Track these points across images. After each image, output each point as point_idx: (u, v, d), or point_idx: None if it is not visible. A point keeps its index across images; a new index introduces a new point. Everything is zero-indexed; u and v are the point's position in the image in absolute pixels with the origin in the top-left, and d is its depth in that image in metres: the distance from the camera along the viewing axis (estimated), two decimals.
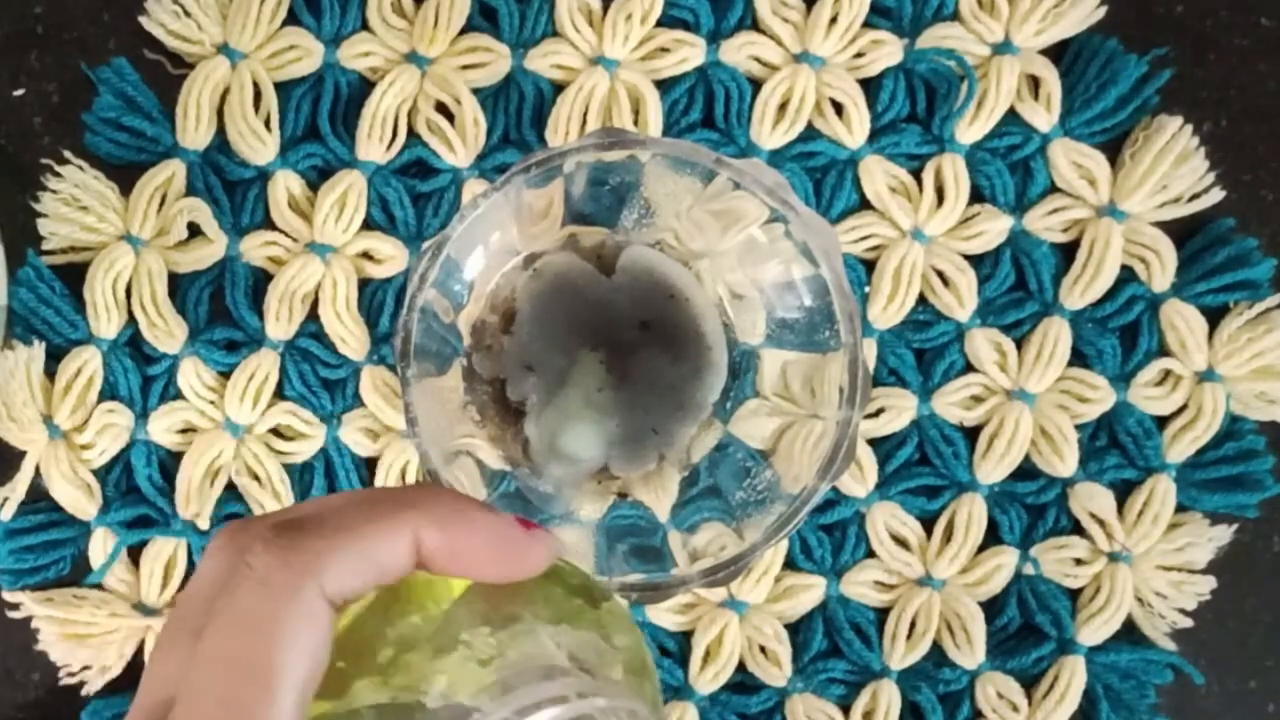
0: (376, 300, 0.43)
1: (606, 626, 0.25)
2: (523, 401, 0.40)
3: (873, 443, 0.43)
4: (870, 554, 0.43)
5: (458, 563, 0.23)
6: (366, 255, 0.43)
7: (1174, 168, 0.43)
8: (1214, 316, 0.43)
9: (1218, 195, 0.44)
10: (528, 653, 0.23)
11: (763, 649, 0.43)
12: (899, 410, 0.43)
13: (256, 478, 0.43)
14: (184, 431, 0.43)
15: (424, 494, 0.23)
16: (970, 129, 0.43)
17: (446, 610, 0.23)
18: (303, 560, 0.21)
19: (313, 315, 0.43)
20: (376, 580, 0.22)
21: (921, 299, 0.43)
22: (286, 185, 0.43)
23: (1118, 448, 0.43)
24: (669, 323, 0.39)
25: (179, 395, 0.43)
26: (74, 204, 0.43)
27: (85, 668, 0.43)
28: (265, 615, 0.20)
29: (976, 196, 0.44)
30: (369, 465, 0.43)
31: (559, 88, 0.43)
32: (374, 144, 0.43)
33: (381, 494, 0.24)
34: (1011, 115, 0.43)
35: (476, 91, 0.43)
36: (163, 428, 0.43)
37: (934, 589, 0.43)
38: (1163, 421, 0.44)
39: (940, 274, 0.43)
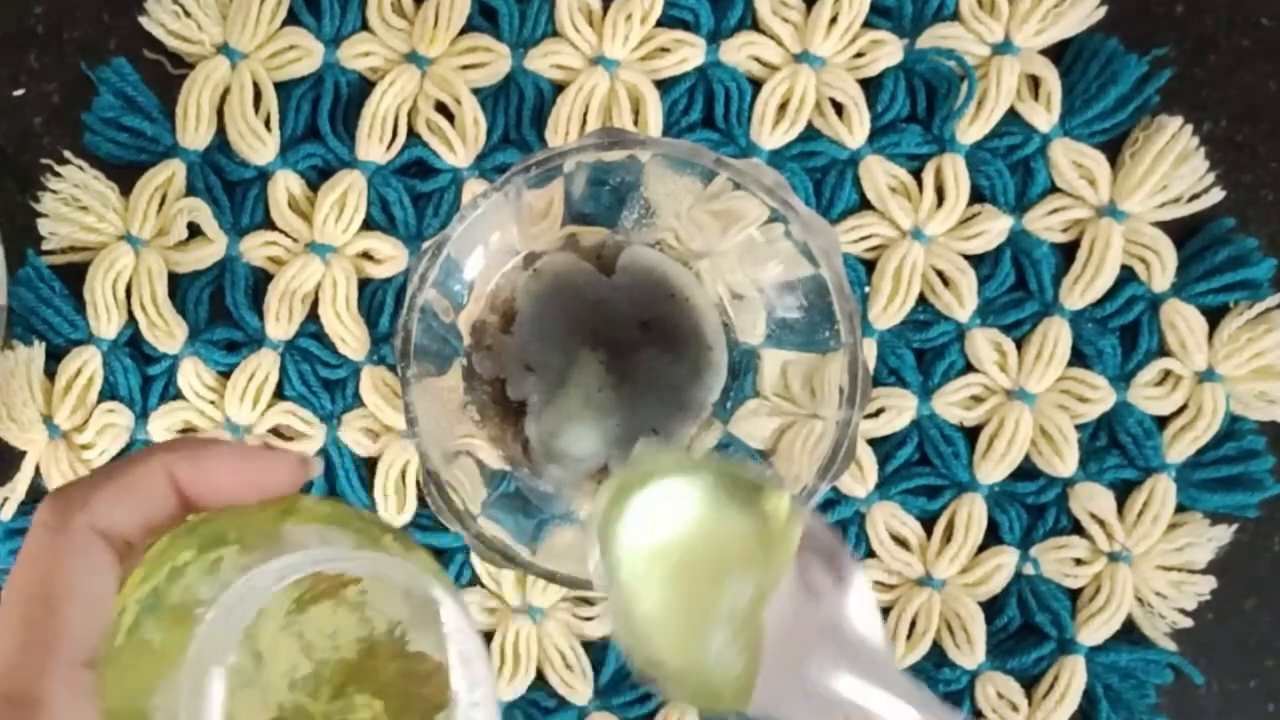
0: (376, 300, 0.43)
1: (389, 546, 0.26)
2: (523, 401, 0.40)
3: (873, 443, 0.43)
4: (870, 554, 0.43)
5: (214, 488, 0.26)
6: (366, 255, 0.43)
7: (1174, 168, 0.43)
8: (1214, 316, 0.43)
9: (1218, 195, 0.44)
10: (298, 532, 0.25)
11: None
12: (899, 410, 0.43)
13: None
14: (184, 432, 0.43)
15: (178, 439, 0.27)
16: (970, 129, 0.43)
17: (227, 532, 0.26)
18: (74, 503, 0.25)
19: (313, 315, 0.43)
20: (145, 513, 0.25)
21: (921, 299, 0.43)
22: (286, 185, 0.43)
23: (1118, 448, 0.43)
24: (669, 323, 0.39)
25: (179, 395, 0.43)
26: (74, 204, 0.43)
27: None
28: (44, 549, 0.24)
29: (976, 196, 0.44)
30: (369, 465, 0.43)
31: (559, 88, 0.43)
32: (374, 144, 0.43)
33: (147, 447, 0.27)
34: (1011, 115, 0.43)
35: (476, 91, 0.43)
36: (163, 428, 0.43)
37: (934, 589, 0.43)
38: (1163, 421, 0.44)
39: (940, 274, 0.43)
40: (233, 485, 0.26)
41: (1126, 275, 0.43)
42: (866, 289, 0.43)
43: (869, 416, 0.43)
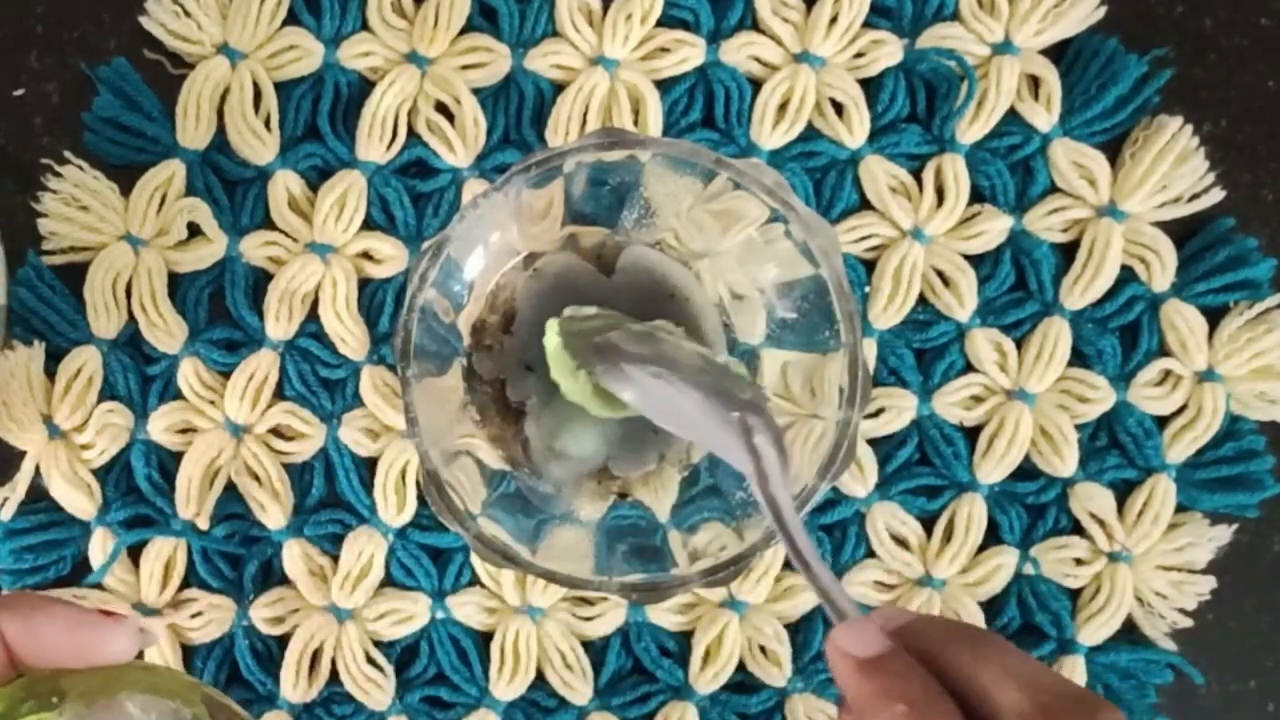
0: (376, 300, 0.43)
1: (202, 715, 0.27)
2: (523, 401, 0.40)
3: (873, 443, 0.43)
4: (870, 554, 0.43)
5: (42, 650, 0.26)
6: (366, 255, 0.43)
7: (1174, 168, 0.43)
8: (1214, 316, 0.43)
9: (1218, 195, 0.44)
10: (110, 706, 0.26)
11: (763, 649, 0.43)
12: (899, 410, 0.43)
13: (256, 478, 0.43)
14: (184, 431, 0.43)
15: (12, 595, 0.26)
16: (970, 129, 0.43)
17: (60, 690, 0.26)
18: None
19: (313, 315, 0.43)
20: None
21: (921, 299, 0.43)
22: (286, 185, 0.43)
23: (1118, 448, 0.43)
24: (669, 323, 0.39)
25: (179, 395, 0.43)
26: (74, 204, 0.43)
27: None
28: None
29: (976, 196, 0.44)
30: (369, 465, 0.43)
31: (559, 88, 0.43)
32: (374, 144, 0.43)
33: None
34: (1011, 115, 0.43)
35: (476, 91, 0.43)
36: (162, 428, 0.43)
37: (934, 589, 0.43)
38: (1163, 421, 0.44)
39: (940, 274, 0.43)
40: (62, 649, 0.26)
41: (1126, 275, 0.43)
42: (866, 289, 0.43)
43: (869, 416, 0.43)
